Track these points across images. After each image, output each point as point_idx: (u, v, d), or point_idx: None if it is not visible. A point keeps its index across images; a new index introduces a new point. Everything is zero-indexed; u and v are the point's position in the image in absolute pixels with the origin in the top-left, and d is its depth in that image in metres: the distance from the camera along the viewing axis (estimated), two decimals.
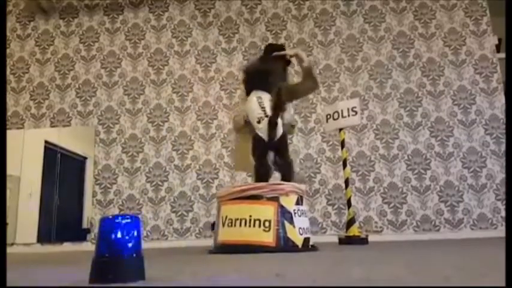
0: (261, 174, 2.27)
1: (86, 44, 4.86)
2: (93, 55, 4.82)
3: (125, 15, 4.92)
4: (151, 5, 4.93)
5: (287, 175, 2.30)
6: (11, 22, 4.96)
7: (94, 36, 4.88)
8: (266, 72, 2.52)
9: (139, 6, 4.94)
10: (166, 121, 4.56)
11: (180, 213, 4.32)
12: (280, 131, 2.31)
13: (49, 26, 4.95)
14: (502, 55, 4.58)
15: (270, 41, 4.69)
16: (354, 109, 3.22)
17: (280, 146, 2.33)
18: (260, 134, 2.29)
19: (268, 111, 2.32)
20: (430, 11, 4.69)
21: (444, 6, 4.69)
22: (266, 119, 2.31)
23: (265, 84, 2.46)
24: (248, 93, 2.52)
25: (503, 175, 4.21)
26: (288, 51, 2.58)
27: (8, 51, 4.84)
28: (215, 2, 4.88)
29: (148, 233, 4.26)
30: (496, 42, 4.59)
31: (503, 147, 4.28)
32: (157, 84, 4.68)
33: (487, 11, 4.63)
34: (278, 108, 2.30)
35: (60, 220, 4.35)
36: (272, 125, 2.28)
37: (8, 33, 4.91)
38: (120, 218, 0.88)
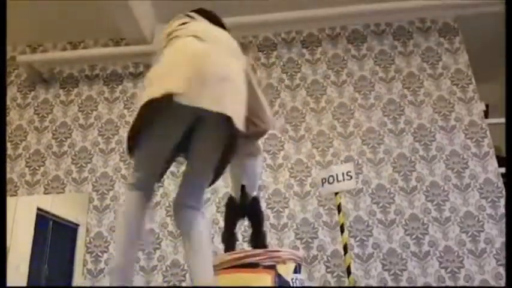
0: (227, 246, 2.20)
1: (85, 112, 4.97)
2: (91, 123, 4.90)
3: (124, 85, 5.09)
4: None
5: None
6: (12, 92, 5.10)
7: (93, 105, 5.00)
8: None
9: (139, 77, 5.12)
10: (161, 186, 4.53)
11: (172, 283, 4.15)
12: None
13: (49, 95, 5.09)
14: (491, 120, 4.73)
15: None
16: (349, 173, 3.24)
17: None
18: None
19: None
20: (417, 80, 4.90)
21: (431, 75, 4.91)
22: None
23: None
24: None
25: (502, 239, 4.15)
26: None
27: (7, 119, 4.92)
28: None
29: None
30: (484, 108, 4.75)
31: (499, 211, 4.26)
32: None
33: (472, 79, 4.84)
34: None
35: None
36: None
37: (8, 103, 5.03)
38: None
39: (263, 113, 2.01)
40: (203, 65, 1.64)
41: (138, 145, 1.74)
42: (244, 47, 5.14)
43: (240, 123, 1.68)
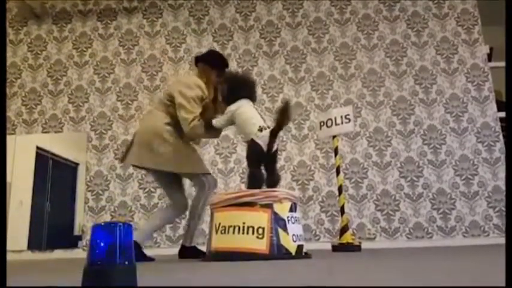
0: (258, 181, 2.24)
1: (79, 49, 4.84)
2: (86, 61, 4.79)
3: (119, 21, 4.92)
4: (145, 11, 4.93)
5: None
6: None
7: (87, 41, 4.86)
8: (254, 83, 2.56)
9: (133, 12, 4.93)
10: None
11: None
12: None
13: (42, 31, 4.93)
14: (494, 64, 4.64)
15: (264, 48, 4.72)
16: (348, 116, 3.23)
17: (272, 160, 2.30)
18: (260, 142, 2.26)
19: (268, 123, 2.38)
20: (422, 19, 4.73)
21: (436, 15, 4.74)
22: (268, 130, 2.29)
23: (253, 95, 2.52)
24: (231, 100, 2.46)
25: (495, 183, 4.24)
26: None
27: None
28: (209, 9, 4.90)
29: None
30: (488, 51, 4.64)
31: (494, 155, 4.31)
32: (150, 90, 4.67)
33: (479, 20, 4.68)
34: (285, 123, 2.37)
35: (51, 227, 4.29)
36: (275, 137, 2.27)
37: None
38: (112, 225, 0.87)
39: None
40: None
41: None
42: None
43: (146, 162, 2.60)
